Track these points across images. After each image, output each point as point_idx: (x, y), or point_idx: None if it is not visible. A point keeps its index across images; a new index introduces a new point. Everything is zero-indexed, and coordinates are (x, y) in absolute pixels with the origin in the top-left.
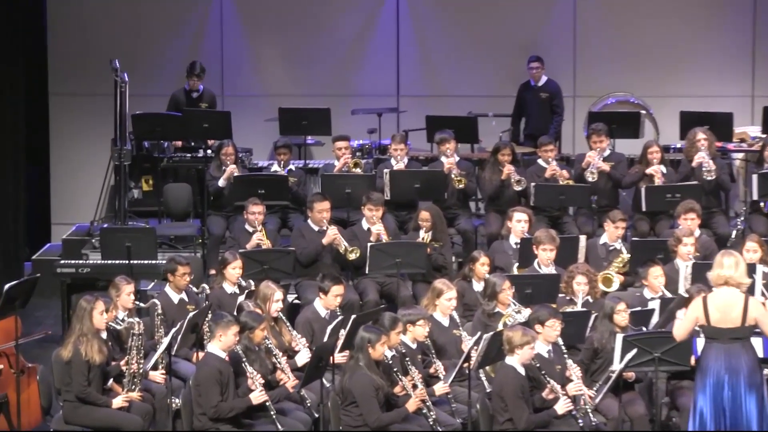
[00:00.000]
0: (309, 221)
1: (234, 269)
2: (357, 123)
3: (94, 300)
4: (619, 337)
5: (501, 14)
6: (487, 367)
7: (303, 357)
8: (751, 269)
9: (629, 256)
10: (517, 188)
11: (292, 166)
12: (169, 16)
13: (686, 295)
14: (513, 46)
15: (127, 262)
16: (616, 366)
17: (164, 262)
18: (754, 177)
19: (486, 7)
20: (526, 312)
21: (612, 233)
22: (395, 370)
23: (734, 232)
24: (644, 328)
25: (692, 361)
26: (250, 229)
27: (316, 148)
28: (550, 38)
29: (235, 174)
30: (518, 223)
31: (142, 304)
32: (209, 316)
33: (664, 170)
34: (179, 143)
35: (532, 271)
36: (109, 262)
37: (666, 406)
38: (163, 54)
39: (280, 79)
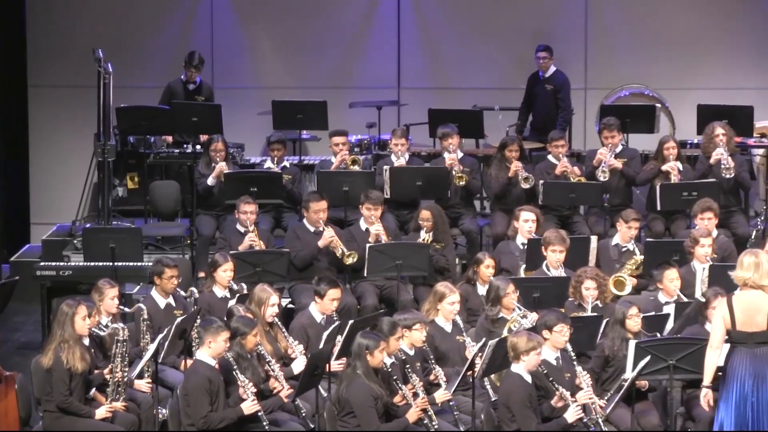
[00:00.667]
0: (304, 221)
1: (225, 272)
2: (355, 117)
3: (76, 304)
4: (632, 344)
5: (509, 1)
6: (492, 376)
7: (299, 364)
8: None
9: (643, 257)
10: (525, 186)
11: (286, 163)
12: (156, 3)
13: (703, 299)
14: (521, 35)
15: (111, 264)
16: (629, 374)
17: (150, 264)
18: None
19: None
20: (533, 317)
21: (625, 234)
22: (395, 378)
23: (754, 233)
24: (658, 334)
25: None
26: (242, 230)
27: (312, 143)
28: (561, 27)
29: (225, 172)
30: (525, 222)
31: (126, 309)
32: (198, 321)
33: (681, 167)
34: (170, 139)
35: (541, 273)
36: (92, 264)
37: (681, 416)
38: (149, 43)
39: (274, 70)
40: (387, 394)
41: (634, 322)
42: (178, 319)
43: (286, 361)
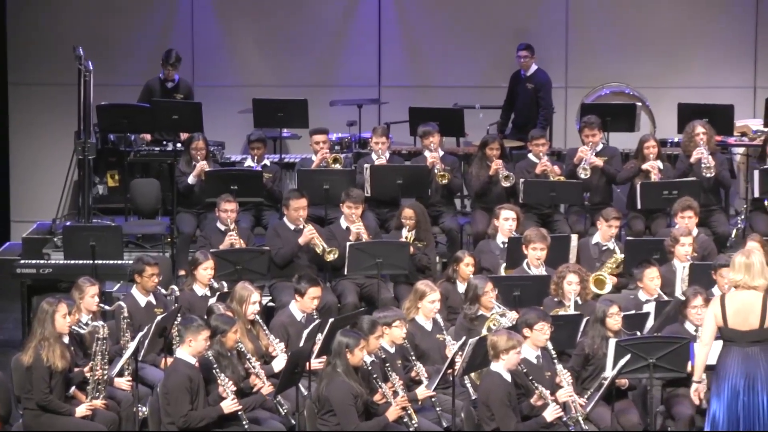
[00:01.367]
0: (285, 219)
1: (205, 270)
2: (336, 115)
3: (56, 302)
4: (612, 342)
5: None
6: (472, 374)
7: (280, 362)
8: None
9: (623, 256)
10: (506, 184)
11: (266, 161)
12: (136, 1)
13: (683, 298)
14: (502, 33)
15: (91, 262)
16: (609, 373)
17: (131, 262)
18: (756, 173)
19: None
20: (512, 315)
21: (605, 232)
22: (375, 376)
23: (734, 232)
24: (639, 333)
25: (689, 367)
26: (223, 228)
27: (293, 141)
28: (542, 25)
29: (206, 170)
30: (506, 221)
31: (107, 307)
32: (178, 319)
33: (661, 166)
34: (148, 137)
35: (521, 272)
36: (72, 262)
37: (661, 415)
38: (130, 41)
39: (255, 68)
40: (367, 393)
41: (614, 321)
42: (159, 317)
43: (267, 359)
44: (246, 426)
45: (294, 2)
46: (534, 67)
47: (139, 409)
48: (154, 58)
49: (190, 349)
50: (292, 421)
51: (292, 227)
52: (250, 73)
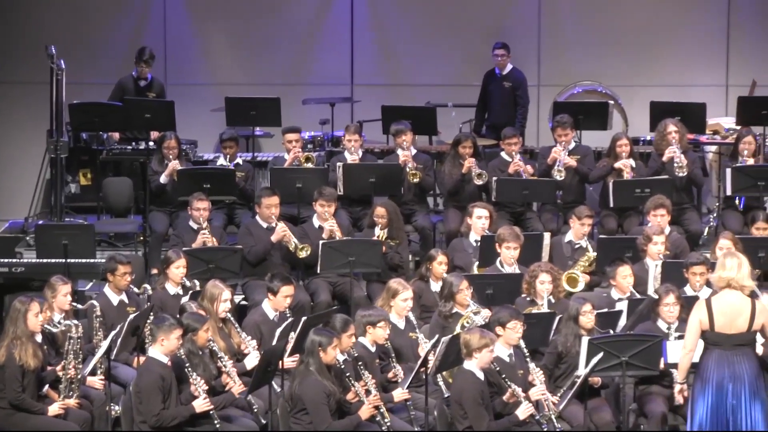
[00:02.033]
0: (257, 218)
1: (177, 269)
2: (308, 113)
3: (28, 301)
4: (585, 341)
5: None
6: (445, 372)
7: (252, 360)
8: None
9: (596, 254)
10: (479, 183)
11: (239, 160)
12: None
13: (656, 296)
14: (475, 31)
15: (63, 261)
16: (582, 371)
17: (103, 261)
18: (728, 171)
19: None
20: (486, 313)
21: (578, 230)
22: (348, 375)
23: (707, 230)
24: (611, 331)
25: (661, 365)
26: (195, 226)
27: (265, 140)
28: (514, 24)
29: (179, 168)
30: (479, 219)
31: (79, 306)
32: (151, 318)
33: (633, 164)
34: (116, 135)
35: (494, 270)
36: (45, 261)
37: (634, 413)
38: (102, 40)
39: (227, 66)
40: (340, 391)
41: (587, 319)
42: (131, 316)
43: (239, 357)
44: (218, 425)
45: (267, 1)
46: (510, 66)
47: (112, 408)
48: (127, 56)
49: (162, 348)
50: (263, 421)
51: (265, 225)
52: (223, 72)
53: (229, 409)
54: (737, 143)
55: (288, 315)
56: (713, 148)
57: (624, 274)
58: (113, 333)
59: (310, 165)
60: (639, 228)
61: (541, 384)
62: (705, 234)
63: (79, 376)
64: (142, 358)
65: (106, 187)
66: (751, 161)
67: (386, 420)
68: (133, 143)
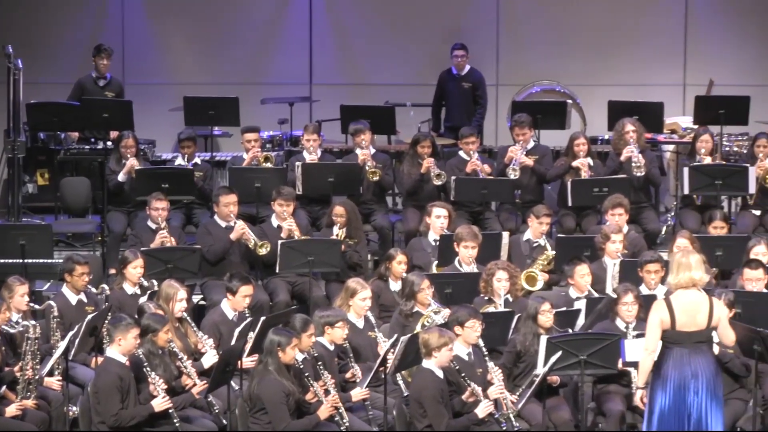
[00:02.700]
0: (215, 217)
1: (135, 269)
2: (267, 113)
3: None
4: (543, 339)
5: None
6: (404, 371)
7: (210, 358)
8: None
9: (554, 253)
10: (437, 182)
11: (197, 159)
12: None
13: (614, 295)
14: (433, 31)
15: (21, 261)
16: (540, 370)
17: (61, 261)
18: (686, 170)
19: None
20: (446, 312)
21: (536, 229)
22: (306, 374)
23: (664, 228)
24: (570, 330)
25: (620, 364)
26: (154, 226)
27: (224, 139)
28: (473, 23)
29: (137, 168)
30: (437, 219)
31: (37, 306)
32: (109, 318)
33: (591, 163)
34: (76, 135)
35: (453, 269)
36: (2, 261)
37: (592, 411)
38: (59, 39)
39: (186, 66)
40: (299, 391)
41: (546, 318)
42: (89, 316)
43: (196, 356)
44: (177, 425)
45: (225, 0)
46: (468, 67)
47: (70, 408)
48: (85, 56)
49: (119, 348)
50: (224, 421)
51: (223, 224)
52: (181, 71)
53: (188, 410)
54: (694, 142)
55: (247, 315)
56: (671, 147)
57: (582, 273)
58: (71, 333)
59: (268, 165)
60: (597, 227)
61: (500, 383)
62: (663, 233)
63: (36, 377)
64: (100, 359)
65: (64, 187)
66: (708, 160)
67: (345, 420)
68: (92, 141)
